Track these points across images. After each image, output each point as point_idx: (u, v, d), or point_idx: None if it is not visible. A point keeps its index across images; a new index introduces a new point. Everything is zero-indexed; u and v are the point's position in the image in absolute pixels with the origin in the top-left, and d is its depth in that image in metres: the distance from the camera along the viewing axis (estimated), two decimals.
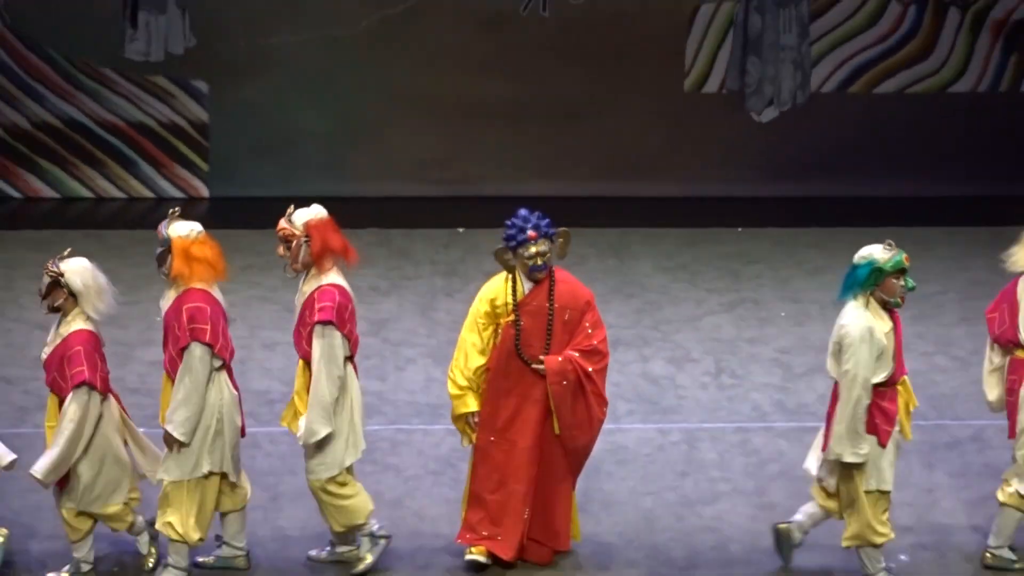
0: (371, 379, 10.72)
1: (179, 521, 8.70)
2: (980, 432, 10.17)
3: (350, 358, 8.80)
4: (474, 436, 8.96)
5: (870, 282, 8.62)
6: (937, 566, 9.10)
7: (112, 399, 8.75)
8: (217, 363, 8.59)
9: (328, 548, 9.17)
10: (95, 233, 11.91)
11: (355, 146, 13.47)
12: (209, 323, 8.58)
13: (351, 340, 8.71)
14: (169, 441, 8.50)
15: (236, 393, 8.87)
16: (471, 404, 8.81)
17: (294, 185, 12.80)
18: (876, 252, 8.73)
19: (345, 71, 13.28)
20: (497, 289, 8.84)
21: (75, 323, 8.52)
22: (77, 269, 8.70)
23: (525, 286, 8.81)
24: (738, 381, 10.91)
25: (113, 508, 8.80)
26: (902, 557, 8.94)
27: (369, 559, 9.04)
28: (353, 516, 8.94)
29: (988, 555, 9.34)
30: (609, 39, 13.19)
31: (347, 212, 12.44)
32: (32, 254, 10.97)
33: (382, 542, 9.06)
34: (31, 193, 12.76)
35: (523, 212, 8.86)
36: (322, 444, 8.76)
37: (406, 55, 13.26)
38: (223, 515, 9.03)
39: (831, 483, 8.76)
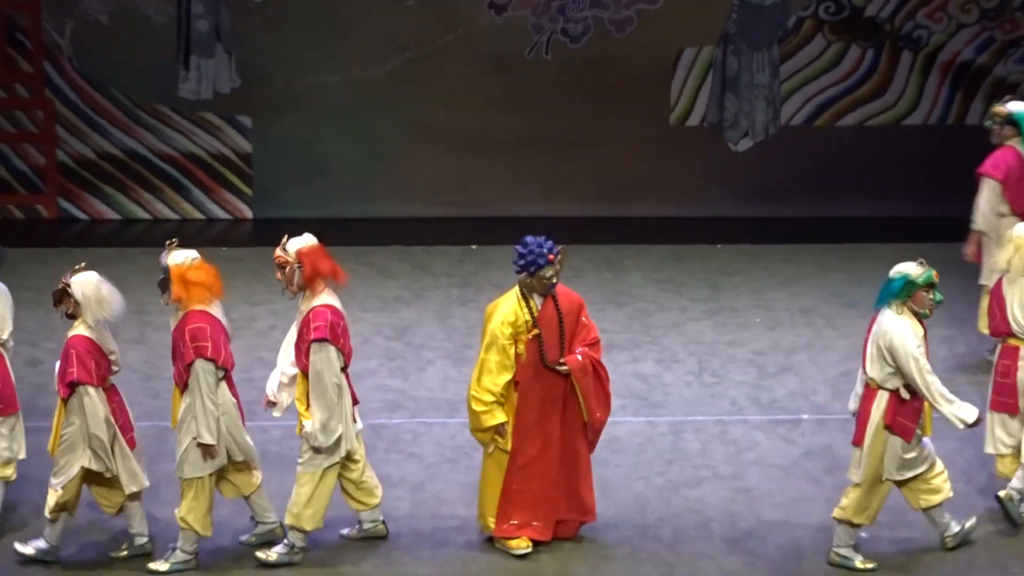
0: (395, 378, 10.76)
1: (195, 517, 8.62)
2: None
3: (344, 368, 8.81)
4: (506, 443, 8.75)
5: (903, 294, 8.56)
6: (894, 544, 8.77)
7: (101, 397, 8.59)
8: (220, 374, 8.56)
9: (357, 526, 8.94)
10: (152, 251, 11.56)
11: (380, 173, 13.34)
12: (210, 340, 8.51)
13: (345, 352, 8.66)
14: (204, 448, 8.36)
15: (235, 400, 8.73)
16: (500, 416, 8.70)
17: (327, 207, 12.97)
18: (910, 268, 8.67)
19: (371, 107, 13.15)
20: (512, 311, 8.70)
21: (76, 328, 8.49)
22: (82, 281, 8.62)
23: (537, 302, 8.87)
24: (718, 379, 10.82)
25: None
26: (862, 534, 8.71)
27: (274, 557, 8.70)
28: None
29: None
30: (603, 78, 13.06)
31: (373, 231, 12.98)
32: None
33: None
34: (96, 215, 12.69)
35: (531, 239, 8.77)
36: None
37: (424, 93, 13.18)
38: (246, 498, 8.81)
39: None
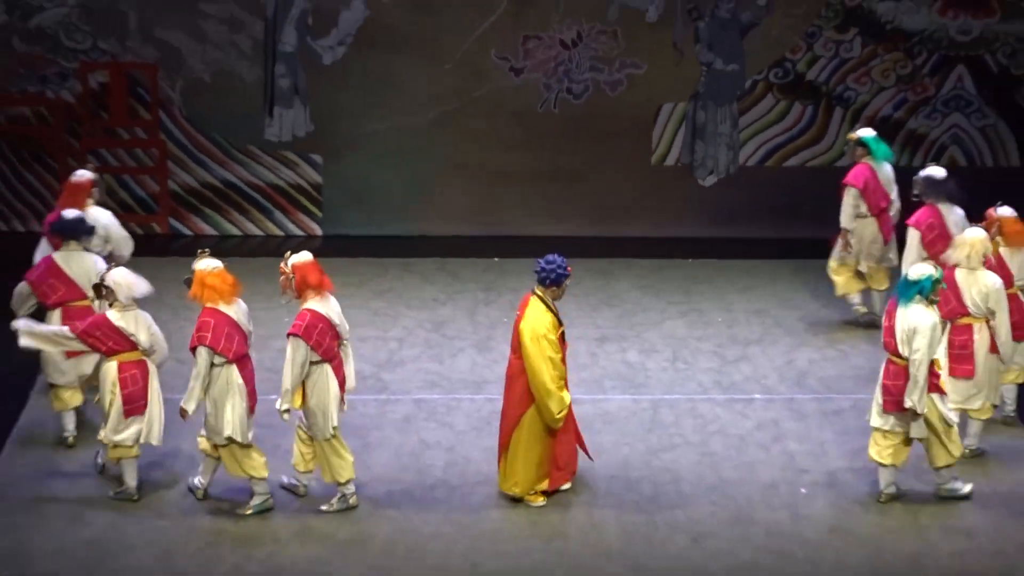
0: (433, 362, 10.85)
1: (251, 466, 8.45)
2: (857, 403, 10.05)
3: (322, 362, 8.42)
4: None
5: (932, 289, 8.44)
6: (827, 497, 9.02)
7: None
8: (219, 360, 8.31)
9: (293, 480, 8.84)
10: (243, 260, 11.54)
11: (422, 200, 13.38)
12: (211, 332, 8.32)
13: (320, 349, 8.39)
14: (182, 412, 8.30)
15: (243, 384, 8.46)
16: (568, 397, 8.71)
17: (379, 227, 13.20)
18: (930, 269, 8.56)
19: (415, 148, 13.21)
20: (546, 318, 8.66)
21: (109, 311, 8.34)
22: (114, 274, 8.58)
23: (554, 306, 8.89)
24: (688, 366, 10.89)
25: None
26: (802, 490, 8.90)
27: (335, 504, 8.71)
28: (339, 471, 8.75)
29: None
30: (599, 127, 13.11)
31: (416, 246, 13.05)
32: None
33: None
34: (198, 232, 12.76)
35: (555, 257, 8.78)
36: (320, 415, 8.52)
37: (458, 137, 13.26)
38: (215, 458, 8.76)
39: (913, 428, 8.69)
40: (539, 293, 8.68)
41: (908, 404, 8.45)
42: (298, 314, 8.57)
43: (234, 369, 8.49)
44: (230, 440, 8.35)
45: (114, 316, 8.41)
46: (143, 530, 8.59)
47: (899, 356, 8.50)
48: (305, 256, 8.67)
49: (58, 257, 9.12)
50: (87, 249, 9.48)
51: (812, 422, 9.85)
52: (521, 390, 8.72)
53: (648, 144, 13.15)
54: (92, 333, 8.34)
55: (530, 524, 8.65)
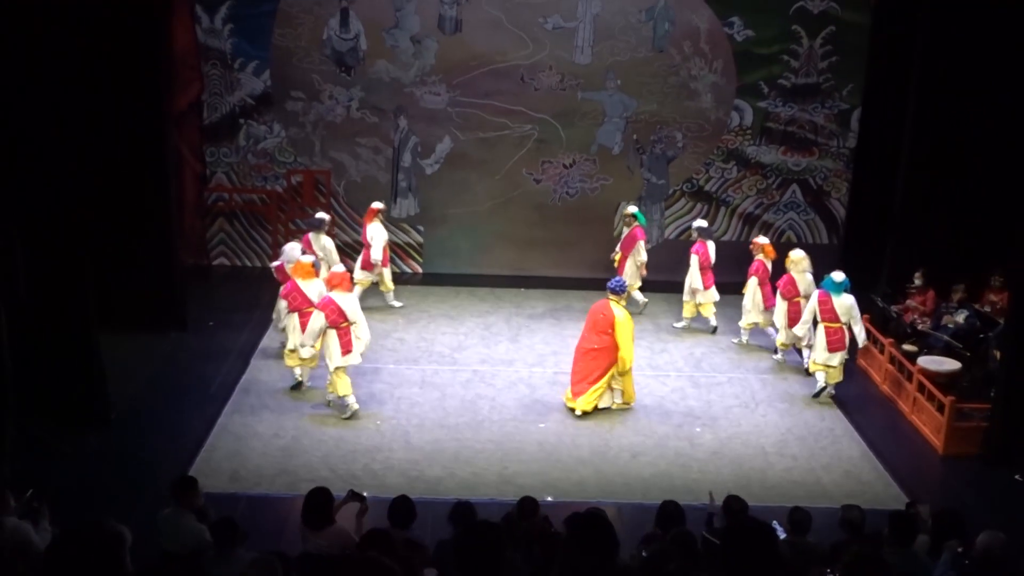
0: (484, 348, 12.42)
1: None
2: (731, 380, 12.05)
3: (332, 327, 9.96)
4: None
5: (846, 285, 10.54)
6: (712, 432, 10.76)
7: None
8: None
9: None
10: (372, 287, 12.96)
11: (479, 252, 15.14)
12: (289, 297, 10.29)
13: (329, 321, 9.92)
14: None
15: (298, 324, 10.07)
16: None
17: (455, 268, 15.02)
18: (842, 274, 10.69)
19: (478, 225, 14.92)
20: (626, 312, 10.33)
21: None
22: (286, 251, 10.95)
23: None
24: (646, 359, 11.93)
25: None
26: (697, 429, 10.56)
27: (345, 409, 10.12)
28: (341, 389, 10.09)
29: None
30: (584, 214, 14.99)
31: (476, 280, 14.36)
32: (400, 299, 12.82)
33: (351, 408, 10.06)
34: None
35: (618, 278, 10.78)
36: (327, 355, 10.02)
37: (502, 219, 15.08)
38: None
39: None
40: (613, 299, 10.27)
41: (861, 343, 10.52)
42: (327, 297, 10.05)
43: (295, 316, 10.22)
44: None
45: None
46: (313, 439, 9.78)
47: (836, 322, 10.76)
48: (340, 268, 10.39)
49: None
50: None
51: (704, 388, 11.55)
52: (607, 353, 10.19)
53: (611, 225, 14.70)
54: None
55: (537, 444, 10.00)
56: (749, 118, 14.67)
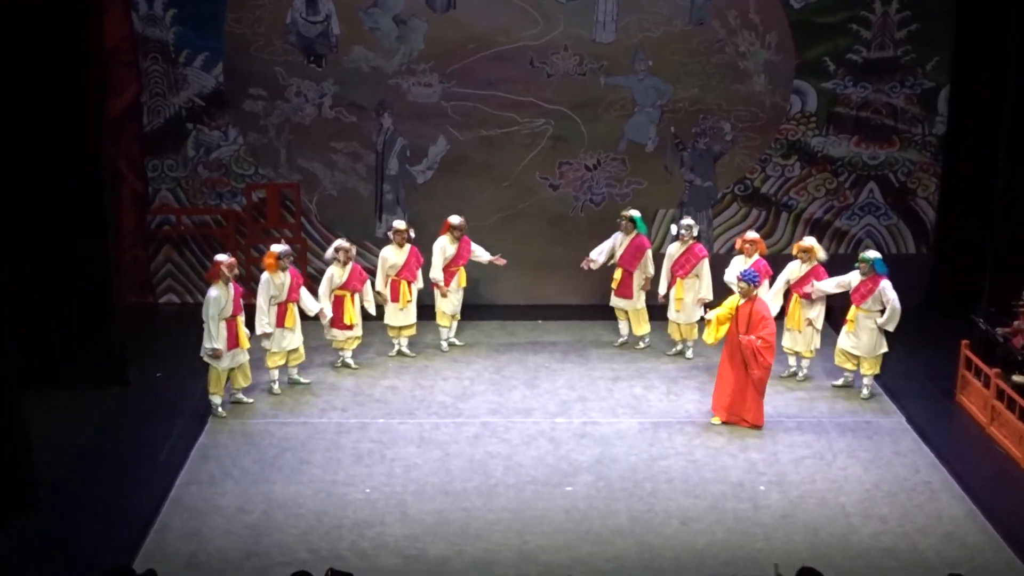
0: (494, 395, 12.92)
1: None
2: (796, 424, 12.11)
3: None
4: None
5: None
6: (779, 492, 10.85)
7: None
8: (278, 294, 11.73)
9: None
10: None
11: (486, 278, 15.32)
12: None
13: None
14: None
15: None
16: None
17: (482, 297, 15.35)
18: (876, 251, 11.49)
19: (482, 242, 14.75)
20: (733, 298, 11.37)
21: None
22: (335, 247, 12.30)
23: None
24: (678, 397, 12.74)
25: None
26: (760, 488, 10.80)
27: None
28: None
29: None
30: (613, 227, 14.89)
31: (482, 312, 14.65)
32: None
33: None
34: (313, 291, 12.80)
35: (751, 271, 11.81)
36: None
37: (512, 236, 15.26)
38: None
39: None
40: (755, 292, 11.45)
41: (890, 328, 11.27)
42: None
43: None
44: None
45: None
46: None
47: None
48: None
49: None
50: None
51: (767, 436, 11.71)
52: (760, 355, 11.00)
53: (649, 237, 14.20)
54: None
55: (564, 511, 10.23)
56: (813, 103, 15.16)
